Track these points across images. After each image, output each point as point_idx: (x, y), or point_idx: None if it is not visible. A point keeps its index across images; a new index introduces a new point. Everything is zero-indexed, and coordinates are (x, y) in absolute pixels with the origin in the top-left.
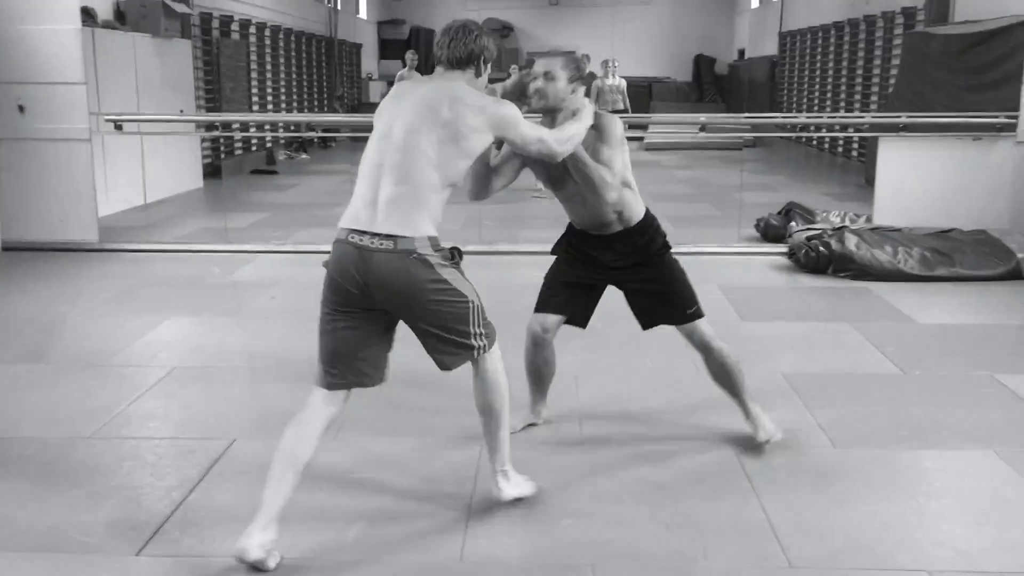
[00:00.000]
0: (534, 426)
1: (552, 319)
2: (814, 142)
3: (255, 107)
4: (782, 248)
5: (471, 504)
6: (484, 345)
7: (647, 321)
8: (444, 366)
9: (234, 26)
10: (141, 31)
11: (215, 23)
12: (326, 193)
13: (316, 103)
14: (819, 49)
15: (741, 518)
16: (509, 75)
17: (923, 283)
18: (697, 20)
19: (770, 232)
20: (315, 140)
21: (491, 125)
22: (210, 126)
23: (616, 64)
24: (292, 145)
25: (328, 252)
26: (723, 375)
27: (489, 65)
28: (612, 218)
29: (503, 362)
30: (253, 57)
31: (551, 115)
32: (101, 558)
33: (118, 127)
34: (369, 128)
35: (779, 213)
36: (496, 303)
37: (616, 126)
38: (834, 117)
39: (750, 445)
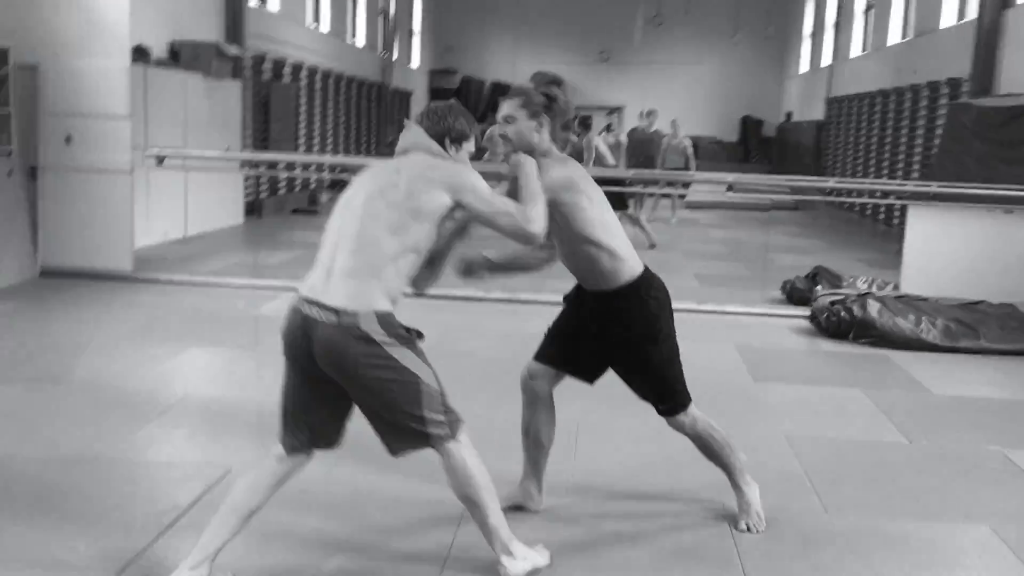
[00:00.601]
0: (520, 509)
1: (537, 367)
2: (856, 208)
3: (301, 148)
4: (805, 311)
5: (449, 553)
6: (445, 434)
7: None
8: (391, 451)
9: (286, 69)
10: (193, 71)
11: (267, 65)
12: None
13: (364, 147)
14: (864, 115)
15: None
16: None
17: (945, 354)
18: (746, 82)
19: (795, 295)
20: None
21: (444, 182)
22: (252, 164)
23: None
24: (336, 187)
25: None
26: (712, 456)
27: (458, 146)
28: (582, 271)
29: (474, 451)
30: (303, 100)
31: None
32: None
33: (159, 161)
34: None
35: (806, 276)
36: (512, 355)
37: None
38: (862, 183)
39: (735, 502)
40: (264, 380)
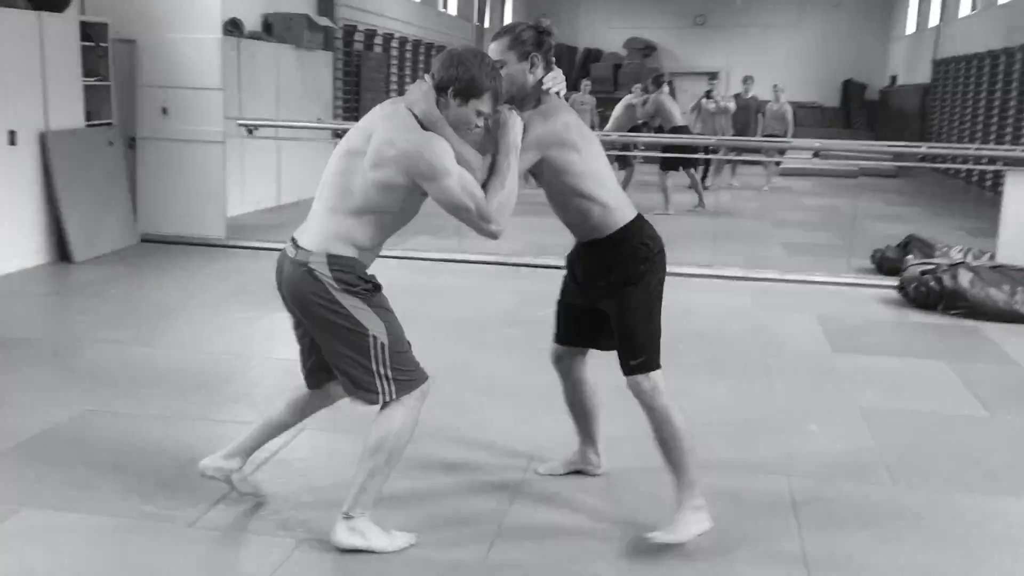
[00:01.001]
0: (581, 474)
1: (557, 348)
2: (962, 174)
3: None
4: (894, 281)
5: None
6: (389, 391)
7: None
8: (346, 390)
9: (377, 39)
10: (285, 42)
11: (358, 36)
12: None
13: None
14: (973, 78)
15: (776, 548)
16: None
17: None
18: (848, 44)
19: (885, 264)
20: None
21: (400, 163)
22: (343, 134)
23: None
24: None
25: (429, 259)
26: (664, 443)
27: (461, 100)
28: (573, 223)
29: (414, 416)
30: (394, 69)
31: (520, 105)
32: (154, 525)
33: (250, 131)
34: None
35: (897, 245)
36: None
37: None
38: (958, 148)
39: (804, 472)
40: None
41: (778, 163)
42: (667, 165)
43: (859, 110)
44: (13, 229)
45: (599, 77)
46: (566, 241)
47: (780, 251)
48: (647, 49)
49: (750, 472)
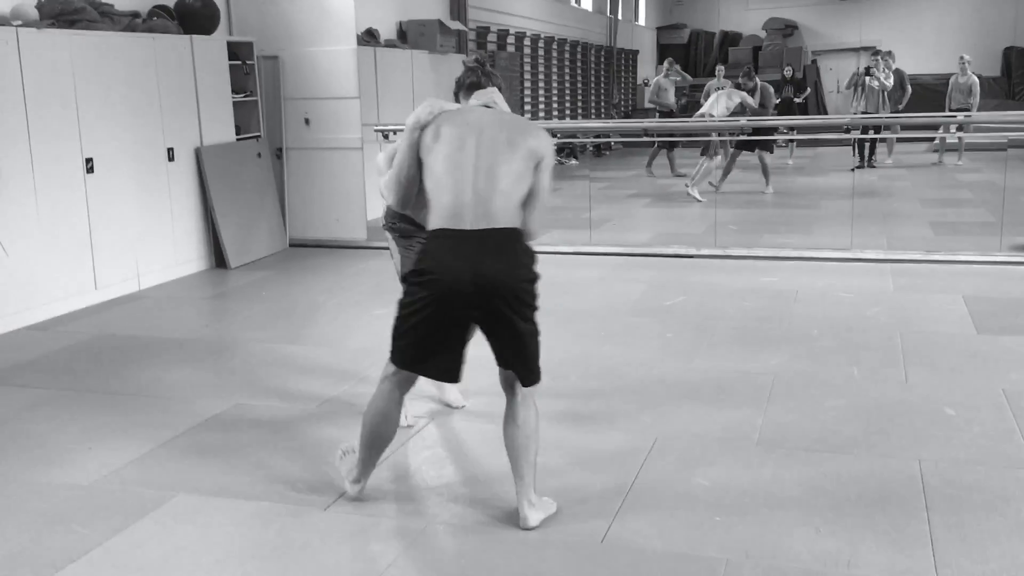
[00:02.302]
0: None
1: None
2: None
3: (527, 115)
4: None
5: (628, 492)
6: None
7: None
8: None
9: (509, 39)
10: (419, 48)
11: (491, 37)
12: (580, 197)
13: (592, 110)
14: None
15: (902, 532)
16: (783, 77)
17: None
18: (1008, 9)
19: None
20: (587, 147)
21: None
22: None
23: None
24: (563, 151)
25: (562, 252)
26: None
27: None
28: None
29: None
30: (527, 67)
31: None
32: (294, 508)
33: (386, 136)
34: (637, 133)
35: None
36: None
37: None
38: None
39: (937, 456)
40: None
41: (932, 139)
42: (744, 146)
43: (1022, 78)
44: (176, 239)
45: (738, 61)
46: (695, 230)
47: (927, 231)
48: (788, 29)
49: (881, 456)
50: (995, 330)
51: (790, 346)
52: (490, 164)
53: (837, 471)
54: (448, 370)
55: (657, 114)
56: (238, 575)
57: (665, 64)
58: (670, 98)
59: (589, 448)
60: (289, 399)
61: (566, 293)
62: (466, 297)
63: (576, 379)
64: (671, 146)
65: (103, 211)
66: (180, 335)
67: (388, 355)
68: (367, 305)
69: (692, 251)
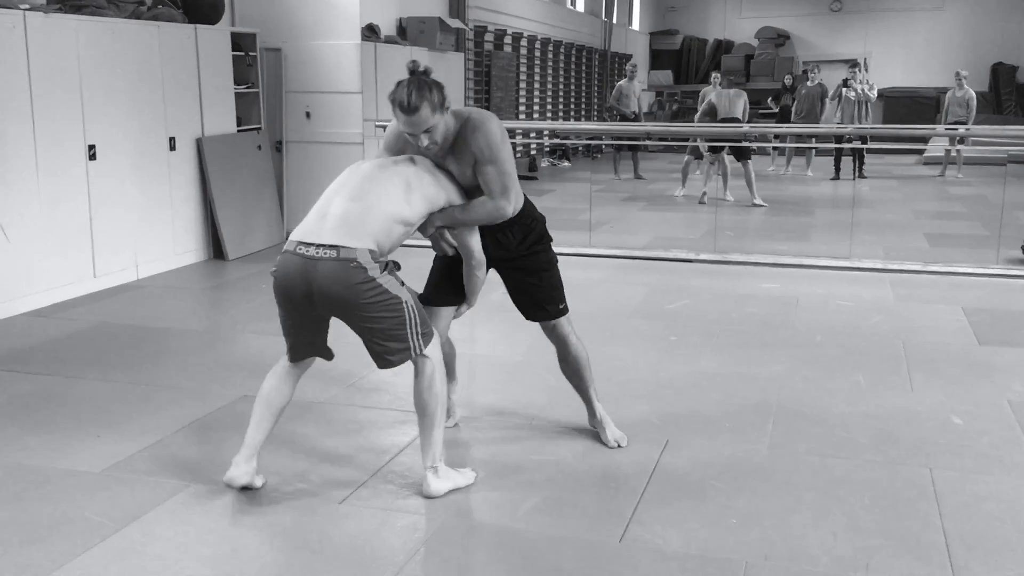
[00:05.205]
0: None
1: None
2: None
3: (521, 115)
4: None
5: (644, 491)
6: (419, 345)
7: (527, 314)
8: (382, 364)
9: (507, 39)
10: (419, 45)
11: (488, 36)
12: (576, 199)
13: (584, 112)
14: None
15: (918, 540)
16: (783, 85)
17: None
18: (997, 25)
19: None
20: (579, 149)
21: None
22: None
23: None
24: (555, 153)
25: (560, 254)
26: (572, 371)
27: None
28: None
29: (442, 366)
30: (523, 68)
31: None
32: (309, 500)
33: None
34: (628, 137)
35: None
36: (719, 312)
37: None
38: None
39: (947, 464)
40: (476, 335)
41: (921, 151)
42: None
43: (1010, 94)
44: (175, 229)
45: (730, 68)
46: (695, 234)
47: (923, 242)
48: (780, 38)
49: (891, 463)
50: (996, 342)
51: (795, 352)
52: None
53: (849, 477)
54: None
55: (618, 118)
56: (255, 565)
57: (628, 68)
58: (631, 104)
59: (601, 449)
60: (314, 380)
61: (569, 294)
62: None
63: None
64: (635, 148)
65: (104, 198)
66: (181, 325)
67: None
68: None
69: (692, 255)
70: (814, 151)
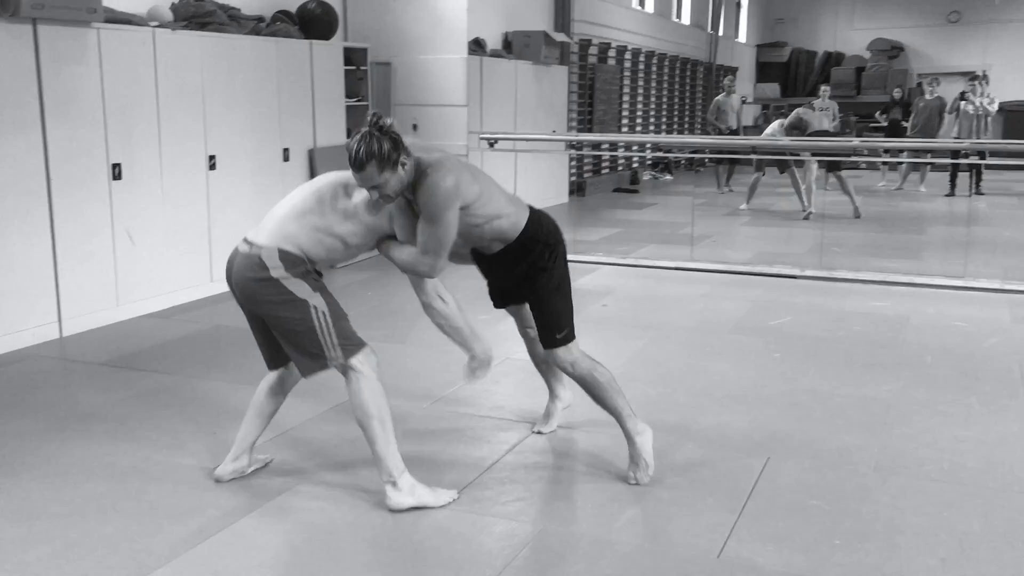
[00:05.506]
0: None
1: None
2: None
3: (624, 128)
4: None
5: (744, 505)
6: (337, 355)
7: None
8: (301, 370)
9: (611, 52)
10: (523, 59)
11: (593, 50)
12: (678, 212)
13: (687, 126)
14: None
15: None
16: (892, 98)
17: None
18: None
19: None
20: (681, 162)
21: None
22: (577, 145)
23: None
24: (657, 166)
25: (659, 267)
26: (597, 400)
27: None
28: (484, 245)
29: (374, 379)
30: (627, 81)
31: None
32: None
33: (491, 144)
34: (732, 151)
35: None
36: (824, 329)
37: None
38: None
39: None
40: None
41: None
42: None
43: None
44: None
45: (840, 81)
46: (798, 250)
47: (983, 253)
48: (893, 50)
49: (1003, 490)
50: None
51: (904, 372)
52: None
53: (959, 502)
54: None
55: (716, 133)
56: (352, 564)
57: (725, 82)
58: (729, 119)
59: (701, 462)
60: (401, 396)
61: (669, 309)
62: None
63: (684, 394)
64: (732, 163)
65: (222, 207)
66: None
67: None
68: (470, 310)
69: (796, 271)
70: (929, 167)
